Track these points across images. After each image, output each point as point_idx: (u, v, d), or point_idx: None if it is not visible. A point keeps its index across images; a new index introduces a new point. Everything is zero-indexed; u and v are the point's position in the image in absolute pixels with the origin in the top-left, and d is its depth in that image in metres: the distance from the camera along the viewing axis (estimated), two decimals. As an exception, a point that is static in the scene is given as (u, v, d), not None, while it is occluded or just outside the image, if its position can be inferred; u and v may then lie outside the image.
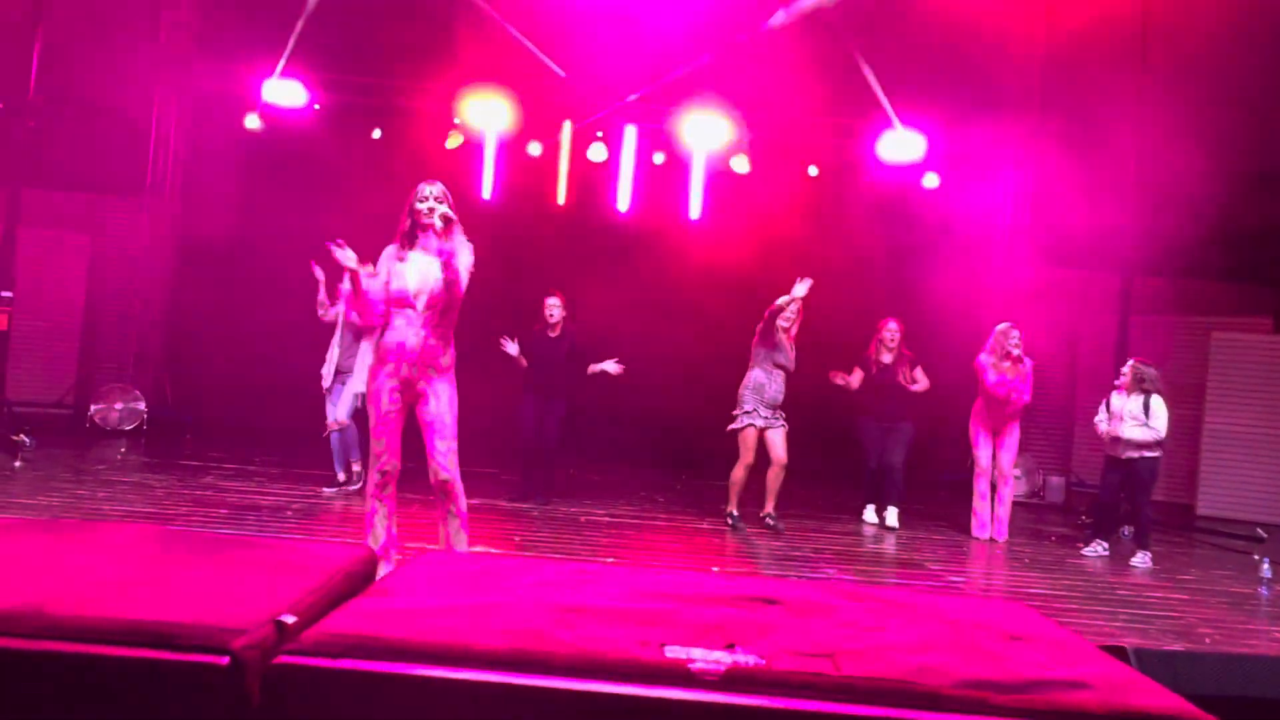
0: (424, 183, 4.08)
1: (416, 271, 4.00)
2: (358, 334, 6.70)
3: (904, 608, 2.11)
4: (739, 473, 6.57)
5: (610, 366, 6.86)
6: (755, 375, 6.52)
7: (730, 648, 1.71)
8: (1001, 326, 7.08)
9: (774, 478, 6.64)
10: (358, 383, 6.47)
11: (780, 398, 6.55)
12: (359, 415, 6.66)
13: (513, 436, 7.28)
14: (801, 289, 6.30)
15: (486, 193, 9.55)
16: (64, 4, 8.37)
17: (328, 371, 6.81)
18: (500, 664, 1.62)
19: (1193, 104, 8.54)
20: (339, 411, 6.76)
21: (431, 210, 3.99)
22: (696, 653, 1.67)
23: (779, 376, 6.51)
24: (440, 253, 3.96)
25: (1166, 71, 8.50)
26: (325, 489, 6.81)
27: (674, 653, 1.67)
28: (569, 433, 7.36)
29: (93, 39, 8.75)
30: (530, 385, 6.96)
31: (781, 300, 6.39)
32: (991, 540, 7.03)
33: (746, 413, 6.49)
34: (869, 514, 7.34)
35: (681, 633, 1.79)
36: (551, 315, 6.93)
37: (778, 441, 6.52)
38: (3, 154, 8.17)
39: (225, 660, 1.55)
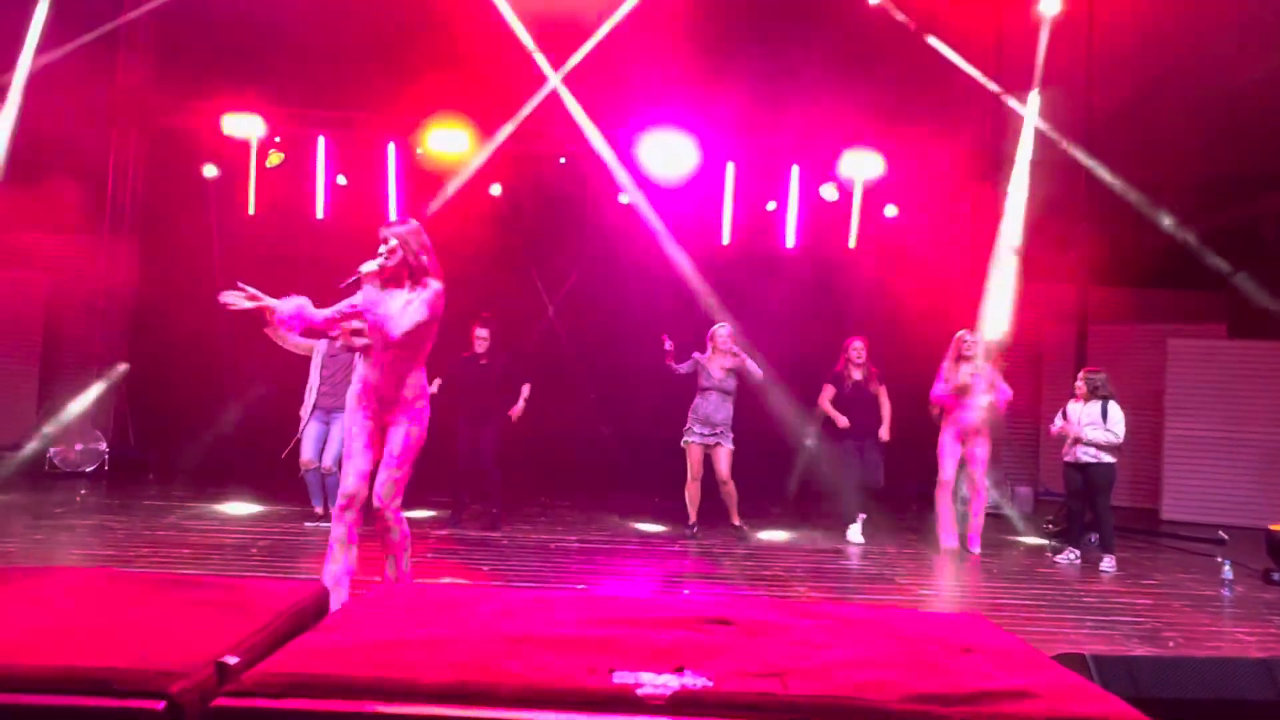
0: (388, 225, 4.06)
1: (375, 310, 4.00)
2: (348, 370, 6.68)
3: (857, 624, 2.12)
4: (688, 487, 7.18)
5: (520, 402, 7.16)
6: (694, 399, 7.19)
7: (679, 670, 1.71)
8: (959, 333, 7.24)
9: (725, 495, 7.18)
10: None
11: (718, 415, 7.08)
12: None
13: (449, 465, 7.26)
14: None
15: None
16: (19, 41, 8.27)
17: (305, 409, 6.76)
18: (446, 697, 1.61)
19: (1143, 115, 8.75)
20: (327, 455, 6.71)
21: (379, 255, 3.97)
22: (645, 677, 1.67)
23: (710, 395, 7.08)
24: (366, 305, 3.92)
25: (1116, 84, 8.70)
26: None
27: (622, 678, 1.67)
28: (505, 457, 7.38)
29: (48, 78, 8.66)
30: (462, 412, 7.07)
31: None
32: (965, 551, 7.08)
33: (686, 430, 7.17)
34: (853, 532, 7.28)
35: (632, 657, 1.79)
36: (480, 346, 7.12)
37: (719, 460, 7.08)
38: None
39: (162, 705, 1.52)
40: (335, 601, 3.42)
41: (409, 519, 4.29)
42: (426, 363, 4.16)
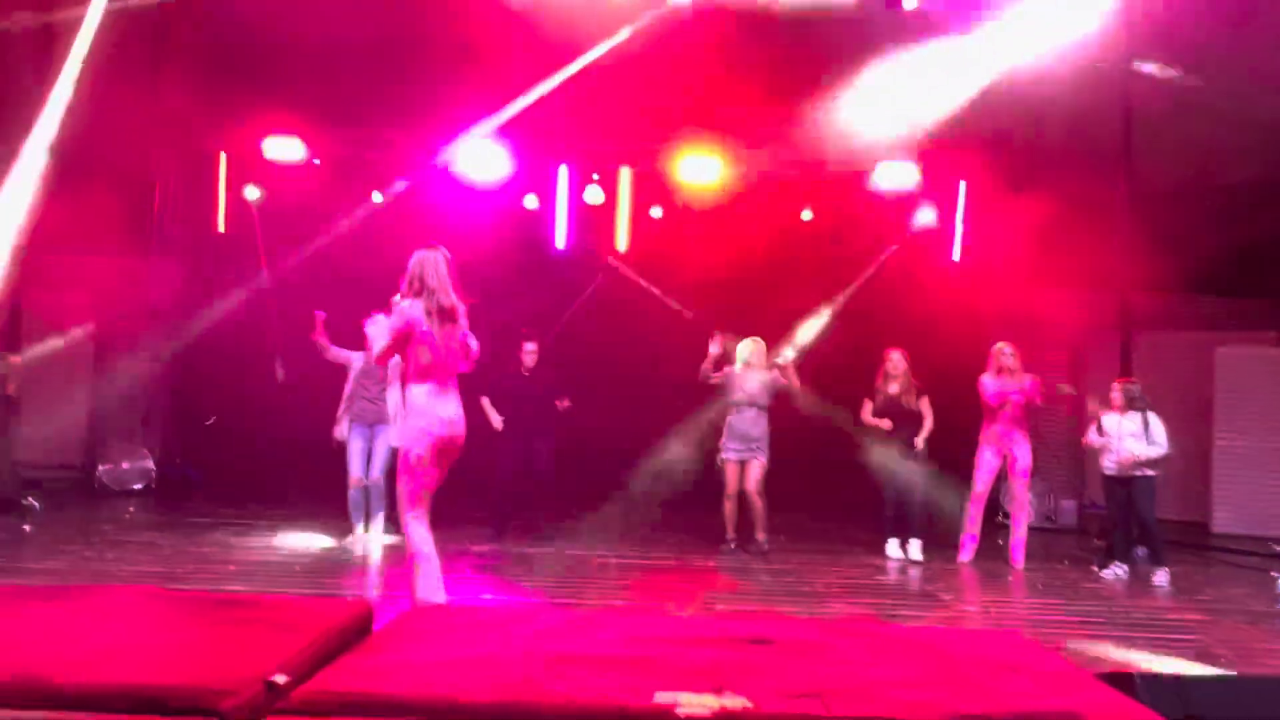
0: None
1: None
2: (383, 386, 6.79)
3: (896, 643, 2.11)
4: (724, 504, 7.17)
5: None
6: (728, 416, 7.15)
7: (719, 691, 1.71)
8: (996, 345, 7.17)
9: (753, 510, 7.07)
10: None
11: (754, 430, 7.04)
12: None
13: (489, 477, 7.35)
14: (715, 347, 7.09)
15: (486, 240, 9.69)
16: (66, 67, 8.49)
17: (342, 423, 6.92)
18: (489, 716, 1.63)
19: (1187, 116, 8.60)
20: (373, 468, 6.84)
21: None
22: (685, 697, 1.68)
23: (746, 411, 7.04)
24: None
25: (1159, 85, 8.54)
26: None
27: (663, 698, 1.68)
28: (559, 469, 7.52)
29: (93, 102, 8.92)
30: (510, 427, 7.22)
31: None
32: (1008, 566, 6.97)
33: (721, 447, 7.16)
34: (892, 548, 7.22)
35: (671, 678, 1.80)
36: (529, 359, 7.36)
37: (750, 474, 7.04)
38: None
39: (214, 723, 1.57)
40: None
41: (451, 536, 4.36)
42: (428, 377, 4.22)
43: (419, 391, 4.18)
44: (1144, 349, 9.17)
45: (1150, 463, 6.64)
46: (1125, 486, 6.72)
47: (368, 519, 6.96)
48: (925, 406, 7.25)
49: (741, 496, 7.10)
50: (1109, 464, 6.81)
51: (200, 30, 10.11)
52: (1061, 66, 8.55)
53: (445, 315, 4.19)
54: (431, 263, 4.25)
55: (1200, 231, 9.10)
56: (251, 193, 9.73)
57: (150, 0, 8.63)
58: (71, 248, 9.79)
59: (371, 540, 6.83)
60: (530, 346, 7.38)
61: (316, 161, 9.86)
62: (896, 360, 7.32)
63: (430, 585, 4.14)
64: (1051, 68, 8.64)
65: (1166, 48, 8.33)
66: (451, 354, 4.25)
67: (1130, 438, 6.65)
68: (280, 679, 1.74)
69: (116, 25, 8.62)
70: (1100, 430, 6.84)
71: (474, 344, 4.40)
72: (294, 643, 1.97)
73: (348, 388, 6.91)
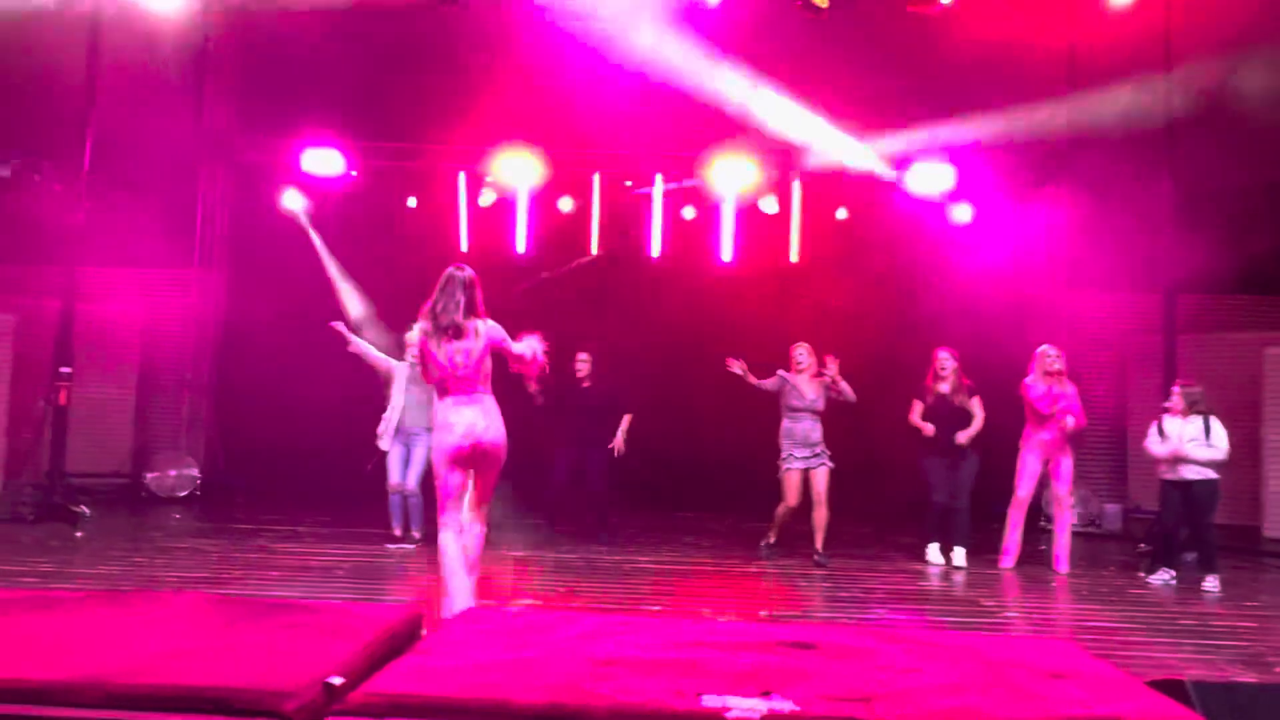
0: None
1: None
2: (429, 392, 6.85)
3: (942, 649, 2.10)
4: (779, 510, 7.06)
5: (619, 439, 7.39)
6: (783, 422, 7.03)
7: (766, 695, 1.73)
8: (1041, 348, 7.07)
9: (817, 517, 6.93)
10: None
11: (814, 435, 6.95)
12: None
13: (544, 484, 7.50)
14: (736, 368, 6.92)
15: (520, 246, 9.78)
16: (112, 85, 8.71)
17: (387, 431, 6.96)
18: (538, 718, 1.66)
19: (1231, 112, 8.44)
20: (410, 476, 6.92)
21: None
22: (732, 701, 1.69)
23: (803, 417, 6.94)
24: None
25: (1202, 83, 8.39)
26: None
27: (710, 701, 1.70)
28: (614, 478, 7.59)
29: (139, 118, 9.13)
30: (568, 435, 7.37)
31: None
32: (1052, 573, 6.89)
33: (784, 458, 6.98)
34: (932, 553, 7.13)
35: (718, 681, 1.82)
36: (580, 370, 7.46)
37: (817, 480, 6.92)
38: (59, 235, 8.53)
39: (276, 723, 1.62)
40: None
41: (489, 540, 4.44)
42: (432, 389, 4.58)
43: (439, 404, 4.47)
44: (1188, 350, 9.00)
45: (1209, 464, 6.50)
46: (1182, 491, 6.58)
47: (407, 524, 7.07)
48: (976, 405, 7.12)
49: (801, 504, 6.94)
50: (1166, 468, 6.67)
51: (240, 46, 10.35)
52: (1100, 59, 8.44)
53: (445, 332, 4.36)
54: (445, 281, 4.45)
55: (1247, 230, 8.93)
56: (294, 201, 9.88)
57: (192, 17, 8.85)
58: (118, 260, 10.06)
59: (410, 545, 6.93)
60: (583, 357, 7.47)
61: (353, 173, 10.01)
62: (945, 359, 7.21)
63: (453, 591, 4.16)
64: (1090, 61, 8.54)
65: (1211, 39, 8.19)
66: (459, 368, 4.36)
67: (1191, 443, 6.51)
68: (337, 681, 1.79)
69: (159, 43, 8.85)
70: (1162, 434, 6.68)
71: (524, 350, 4.48)
72: (348, 646, 2.02)
73: (396, 397, 7.02)
